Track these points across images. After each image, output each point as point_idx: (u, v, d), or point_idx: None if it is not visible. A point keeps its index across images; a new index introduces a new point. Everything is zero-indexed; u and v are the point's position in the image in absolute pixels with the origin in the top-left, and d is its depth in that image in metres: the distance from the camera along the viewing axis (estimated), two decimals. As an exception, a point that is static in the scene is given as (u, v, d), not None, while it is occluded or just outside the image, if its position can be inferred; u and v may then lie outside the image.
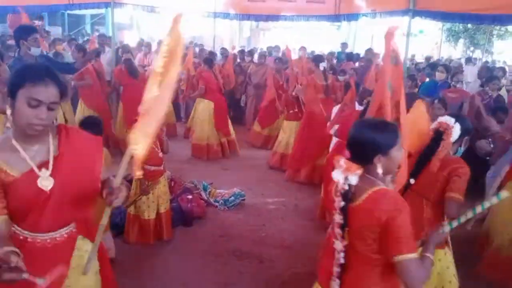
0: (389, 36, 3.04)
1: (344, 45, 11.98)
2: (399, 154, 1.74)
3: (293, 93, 6.13)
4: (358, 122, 1.82)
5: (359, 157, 1.70)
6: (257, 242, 4.07)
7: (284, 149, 6.30)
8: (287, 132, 6.36)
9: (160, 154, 3.87)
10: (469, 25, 16.57)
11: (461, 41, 19.30)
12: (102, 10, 11.52)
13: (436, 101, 4.03)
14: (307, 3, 8.13)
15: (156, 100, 1.67)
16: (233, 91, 8.65)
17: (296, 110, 6.28)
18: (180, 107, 8.58)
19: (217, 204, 4.79)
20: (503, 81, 8.43)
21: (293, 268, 3.63)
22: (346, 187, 1.68)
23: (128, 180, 4.65)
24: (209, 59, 6.82)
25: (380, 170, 1.69)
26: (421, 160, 2.42)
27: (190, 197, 4.52)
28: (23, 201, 1.61)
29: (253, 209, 4.83)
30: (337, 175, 1.71)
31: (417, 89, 6.65)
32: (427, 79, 7.71)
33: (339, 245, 1.73)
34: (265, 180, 5.79)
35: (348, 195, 1.68)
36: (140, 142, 1.68)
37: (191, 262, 3.67)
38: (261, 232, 4.30)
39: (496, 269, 3.32)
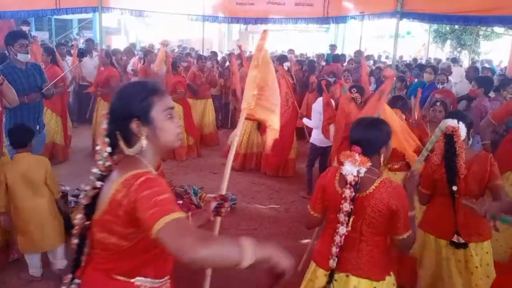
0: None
1: (333, 47, 11.99)
2: (391, 143, 2.10)
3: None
4: (359, 123, 2.09)
5: (369, 151, 1.96)
6: (248, 246, 4.05)
7: (245, 148, 6.32)
8: (243, 132, 6.30)
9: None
10: (456, 26, 16.73)
11: (448, 42, 19.49)
12: (90, 15, 11.41)
13: (438, 103, 4.04)
14: (296, 6, 8.17)
15: (266, 82, 2.16)
16: (222, 95, 8.60)
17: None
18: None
19: (207, 208, 4.75)
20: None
21: (285, 272, 3.61)
22: (357, 179, 1.92)
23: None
24: (173, 63, 6.67)
25: (382, 159, 2.03)
26: (449, 167, 2.50)
27: (180, 202, 4.47)
28: None
29: (244, 213, 4.81)
30: (351, 168, 1.92)
31: (406, 90, 6.70)
32: (416, 80, 7.76)
33: (343, 230, 1.95)
34: (256, 184, 5.77)
35: (357, 186, 1.93)
36: (270, 118, 2.13)
37: (181, 267, 3.62)
38: (252, 236, 4.25)
39: None
